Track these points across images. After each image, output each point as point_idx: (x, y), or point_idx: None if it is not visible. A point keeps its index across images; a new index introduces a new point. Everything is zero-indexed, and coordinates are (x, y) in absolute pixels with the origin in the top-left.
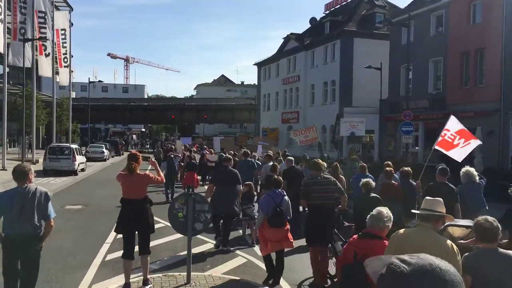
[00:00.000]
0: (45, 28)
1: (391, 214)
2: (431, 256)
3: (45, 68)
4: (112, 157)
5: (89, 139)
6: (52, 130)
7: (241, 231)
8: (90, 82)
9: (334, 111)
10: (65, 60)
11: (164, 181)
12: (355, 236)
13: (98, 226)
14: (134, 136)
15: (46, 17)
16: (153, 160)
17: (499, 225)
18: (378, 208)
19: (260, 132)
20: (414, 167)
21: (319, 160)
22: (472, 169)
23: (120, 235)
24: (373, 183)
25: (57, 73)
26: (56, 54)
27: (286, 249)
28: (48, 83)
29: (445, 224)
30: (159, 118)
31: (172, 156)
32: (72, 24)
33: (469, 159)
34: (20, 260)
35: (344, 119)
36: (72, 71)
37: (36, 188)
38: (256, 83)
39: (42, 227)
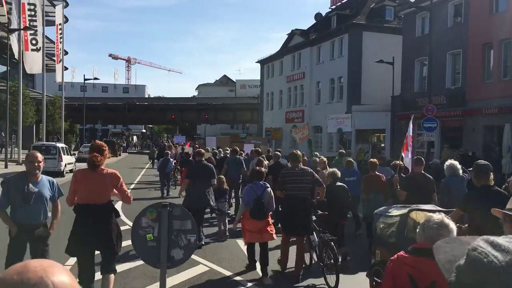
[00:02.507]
0: (35, 21)
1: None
2: None
3: (35, 64)
4: (108, 158)
5: (84, 139)
6: (43, 129)
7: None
8: (85, 79)
9: (341, 110)
10: (59, 55)
11: (131, 201)
12: (402, 253)
13: (63, 242)
14: (134, 137)
15: (36, 9)
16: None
17: None
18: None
19: (263, 132)
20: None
21: (298, 151)
22: (456, 163)
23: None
24: (339, 173)
25: (54, 70)
26: (54, 50)
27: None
28: (50, 82)
29: (410, 208)
30: (159, 118)
31: (169, 153)
32: (67, 20)
33: (497, 159)
34: None
35: (331, 116)
36: (66, 68)
37: None
38: (259, 83)
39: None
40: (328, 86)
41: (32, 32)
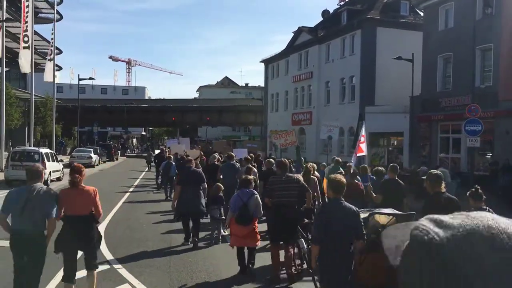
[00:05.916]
0: (27, 16)
1: None
2: (489, 214)
3: (25, 63)
4: (104, 162)
5: (78, 142)
6: (30, 132)
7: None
8: (80, 79)
9: (353, 111)
10: (50, 53)
11: (101, 215)
12: None
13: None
14: (134, 140)
15: (28, 4)
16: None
17: None
18: None
19: (267, 134)
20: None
21: (285, 159)
22: (446, 170)
23: None
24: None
25: (42, 69)
26: (47, 49)
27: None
28: (43, 82)
29: (370, 212)
30: (159, 120)
31: (171, 157)
32: (61, 17)
33: None
34: (26, 256)
35: (325, 122)
36: (60, 68)
37: (42, 187)
38: (261, 85)
39: (45, 225)
40: (338, 86)
41: (24, 28)
